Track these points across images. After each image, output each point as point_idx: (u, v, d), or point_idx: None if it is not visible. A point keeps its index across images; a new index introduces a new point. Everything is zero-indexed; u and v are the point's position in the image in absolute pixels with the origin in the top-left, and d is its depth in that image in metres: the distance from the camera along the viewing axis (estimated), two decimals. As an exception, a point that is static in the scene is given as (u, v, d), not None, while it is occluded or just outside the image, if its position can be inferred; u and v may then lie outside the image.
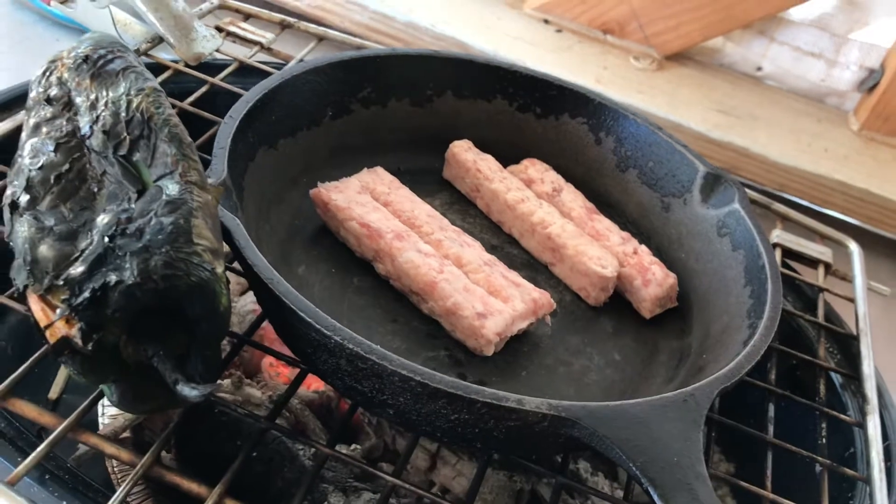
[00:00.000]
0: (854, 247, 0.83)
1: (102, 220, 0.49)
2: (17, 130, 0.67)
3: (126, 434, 0.68)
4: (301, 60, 0.87)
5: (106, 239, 0.48)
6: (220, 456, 0.61)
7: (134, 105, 0.53)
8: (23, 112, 0.69)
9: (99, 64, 0.56)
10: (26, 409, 0.51)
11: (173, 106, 0.76)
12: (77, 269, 0.47)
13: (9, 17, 1.24)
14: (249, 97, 0.64)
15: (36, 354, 0.53)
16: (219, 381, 0.46)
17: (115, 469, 0.65)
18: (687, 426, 0.48)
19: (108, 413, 0.68)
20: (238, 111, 0.62)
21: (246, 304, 0.80)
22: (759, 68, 1.43)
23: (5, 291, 0.56)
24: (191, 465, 0.66)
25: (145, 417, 0.69)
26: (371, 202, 0.67)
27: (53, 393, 0.77)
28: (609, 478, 0.72)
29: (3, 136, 0.68)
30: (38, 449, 0.48)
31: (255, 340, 0.61)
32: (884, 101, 1.33)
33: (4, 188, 0.54)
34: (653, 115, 1.26)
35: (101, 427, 0.67)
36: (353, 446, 0.70)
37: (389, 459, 0.72)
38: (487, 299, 0.61)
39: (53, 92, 0.56)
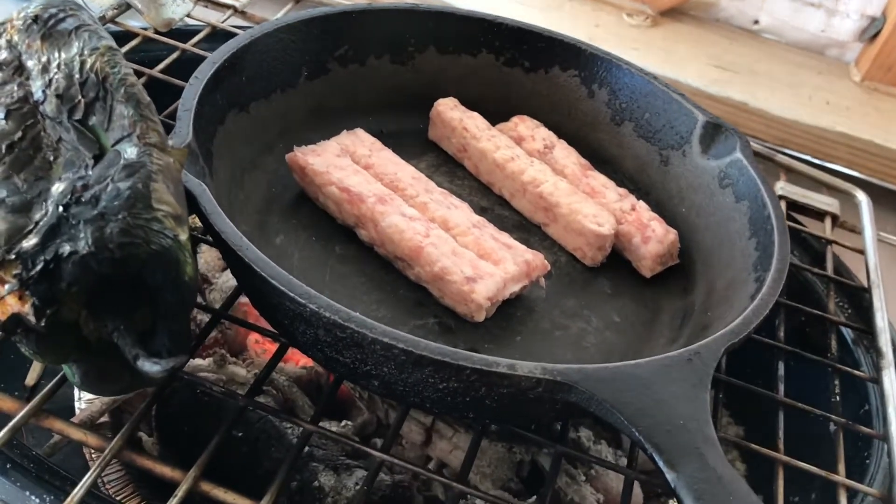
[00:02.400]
0: (862, 196, 0.79)
1: (57, 188, 0.46)
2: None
3: (105, 418, 0.65)
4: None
5: (60, 208, 0.44)
6: (203, 437, 0.57)
7: (88, 65, 0.49)
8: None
9: (50, 24, 0.52)
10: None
11: (142, 74, 0.72)
12: (30, 242, 0.44)
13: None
14: (216, 57, 0.60)
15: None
16: (185, 356, 0.43)
17: (93, 455, 0.61)
18: (693, 386, 0.45)
19: (85, 398, 0.64)
20: (204, 72, 0.58)
21: (228, 280, 0.77)
22: (756, 21, 1.38)
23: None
24: (174, 449, 0.63)
25: (125, 400, 0.66)
26: (351, 165, 0.63)
27: (30, 379, 0.73)
28: (612, 445, 0.69)
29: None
30: (-2, 436, 0.45)
31: (232, 315, 0.57)
32: (886, 50, 1.28)
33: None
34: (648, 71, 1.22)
35: (77, 413, 0.64)
36: (344, 422, 0.67)
37: (383, 434, 0.68)
38: (477, 262, 0.57)
39: (2, 56, 0.52)
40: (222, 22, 0.83)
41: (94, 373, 0.46)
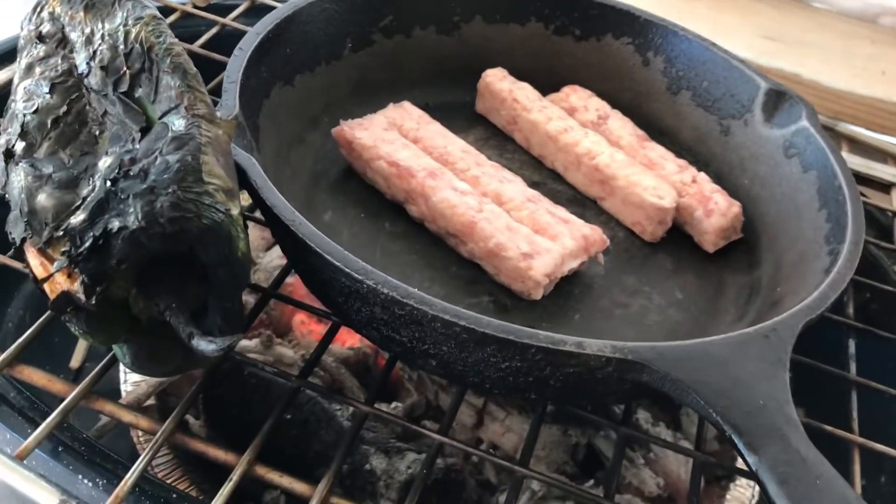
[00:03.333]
0: (930, 166, 0.75)
1: (104, 163, 0.44)
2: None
3: (151, 401, 0.64)
4: (317, -4, 0.81)
5: (108, 183, 0.43)
6: (252, 420, 0.56)
7: (132, 36, 0.48)
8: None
9: (92, -7, 0.50)
10: (35, 376, 0.46)
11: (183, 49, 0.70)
12: (78, 218, 0.42)
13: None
14: (260, 28, 0.58)
15: (42, 317, 0.48)
16: (240, 334, 0.41)
17: (141, 439, 0.60)
18: (771, 365, 0.42)
19: (131, 380, 0.63)
20: (248, 43, 0.56)
21: (273, 260, 0.75)
22: (806, -10, 1.33)
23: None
24: (221, 432, 0.62)
25: (171, 383, 0.65)
26: (399, 139, 0.61)
27: (75, 361, 0.73)
28: (671, 428, 0.66)
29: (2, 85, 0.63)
30: (49, 419, 0.44)
31: (281, 293, 0.56)
32: (944, 16, 1.23)
33: (-2, 137, 0.49)
34: (694, 43, 1.18)
35: (123, 395, 0.63)
36: (393, 404, 0.65)
37: (433, 417, 0.67)
38: (533, 238, 0.55)
39: (45, 28, 0.51)
40: (262, -5, 0.81)
41: (144, 353, 0.45)
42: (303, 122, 0.62)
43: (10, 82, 0.63)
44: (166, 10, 0.76)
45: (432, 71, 0.70)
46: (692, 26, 1.21)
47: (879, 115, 1.17)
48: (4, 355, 0.46)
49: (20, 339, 0.47)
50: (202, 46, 0.72)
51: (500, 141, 0.69)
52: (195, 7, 0.77)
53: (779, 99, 0.63)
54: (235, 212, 0.43)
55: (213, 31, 0.74)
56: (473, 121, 0.70)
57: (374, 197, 0.61)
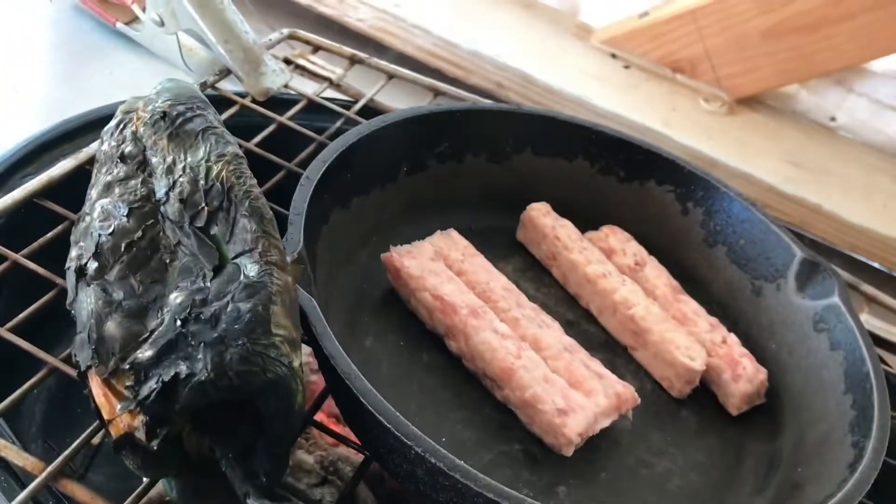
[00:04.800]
0: (949, 337, 0.77)
1: (175, 298, 0.46)
2: (79, 169, 0.65)
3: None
4: (371, 100, 0.84)
5: (178, 322, 0.44)
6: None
7: (214, 173, 0.50)
8: (86, 150, 0.66)
9: (178, 122, 0.52)
10: (78, 492, 0.47)
11: (239, 146, 0.72)
12: (145, 354, 0.44)
13: (68, 24, 1.22)
14: (327, 155, 0.60)
15: (86, 434, 0.50)
16: (293, 501, 0.42)
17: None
18: (796, 571, 0.44)
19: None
20: (315, 171, 0.58)
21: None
22: (833, 118, 1.37)
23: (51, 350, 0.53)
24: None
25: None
26: (445, 271, 0.63)
27: (96, 440, 0.73)
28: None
29: (66, 175, 0.64)
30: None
31: (319, 422, 0.57)
32: (964, 161, 1.27)
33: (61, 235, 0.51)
34: (723, 163, 1.21)
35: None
36: (407, 526, 0.66)
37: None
38: (568, 392, 0.56)
39: (128, 149, 0.53)
40: (318, 94, 0.83)
41: (191, 489, 0.46)
42: (353, 241, 0.64)
43: (73, 171, 0.65)
44: (225, 102, 0.78)
45: (479, 196, 0.72)
46: (721, 146, 1.25)
47: (895, 254, 1.20)
48: (49, 469, 0.47)
49: (66, 453, 0.48)
50: (257, 145, 0.74)
51: (537, 273, 0.71)
52: (253, 101, 0.79)
53: (812, 270, 0.65)
54: (297, 364, 0.45)
55: (271, 128, 0.76)
56: (514, 248, 0.72)
57: (415, 324, 0.62)
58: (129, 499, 0.47)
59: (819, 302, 0.64)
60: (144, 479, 0.49)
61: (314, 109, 0.82)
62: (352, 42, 1.14)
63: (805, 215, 1.20)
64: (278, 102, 0.81)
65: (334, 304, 0.60)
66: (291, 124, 0.78)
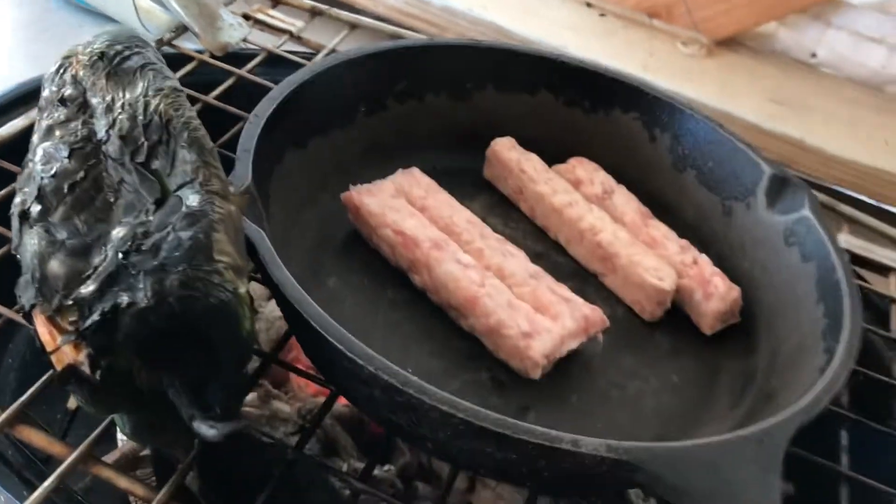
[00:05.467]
0: (929, 253, 0.76)
1: (117, 233, 0.45)
2: (31, 128, 0.64)
3: (146, 451, 0.64)
4: (332, 50, 0.82)
5: (120, 255, 0.43)
6: (248, 479, 0.57)
7: (152, 107, 0.49)
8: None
9: (116, 61, 0.51)
10: (34, 437, 0.47)
11: (197, 100, 0.72)
12: (88, 289, 0.43)
13: (36, 4, 1.21)
14: (276, 94, 0.59)
15: (43, 378, 0.49)
16: (242, 422, 0.42)
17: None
18: (763, 469, 0.43)
19: (128, 429, 0.64)
20: (264, 110, 0.57)
21: (274, 310, 0.76)
22: (814, 55, 1.35)
23: (13, 305, 0.52)
24: (215, 489, 0.62)
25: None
26: (406, 207, 0.62)
27: (72, 402, 0.73)
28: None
29: (19, 133, 0.63)
30: (46, 483, 0.44)
31: (282, 360, 0.56)
32: (949, 89, 1.25)
33: (13, 193, 0.50)
34: (704, 104, 1.19)
35: (119, 444, 0.63)
36: (387, 467, 0.66)
37: (425, 478, 0.67)
38: (534, 317, 0.55)
39: (68, 91, 0.52)
40: (278, 47, 0.82)
41: (144, 424, 0.45)
42: (313, 183, 0.63)
43: (26, 129, 0.64)
44: (183, 59, 0.77)
45: (442, 136, 0.71)
46: (701, 87, 1.23)
47: (881, 185, 1.19)
48: (5, 415, 0.47)
49: (22, 399, 0.48)
50: (217, 97, 0.73)
51: (505, 209, 0.70)
52: (212, 56, 0.78)
53: (782, 185, 0.64)
54: (243, 290, 0.44)
55: (229, 82, 0.75)
56: (481, 187, 0.71)
57: (379, 263, 0.62)
58: (86, 442, 0.47)
59: (789, 216, 0.63)
60: (103, 423, 0.48)
61: (275, 62, 0.81)
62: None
63: (789, 151, 1.19)
64: (238, 57, 0.80)
65: (295, 247, 0.59)
66: (251, 76, 0.77)
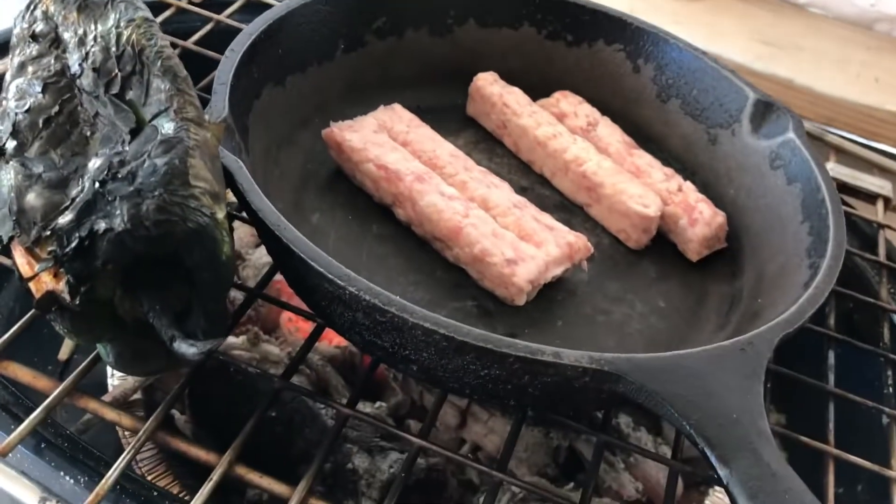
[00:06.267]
0: (916, 179, 0.76)
1: (94, 164, 0.45)
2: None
3: (137, 395, 0.64)
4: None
5: (96, 184, 0.43)
6: (237, 417, 0.57)
7: (124, 38, 0.48)
8: (3, 61, 0.65)
9: (85, -7, 0.50)
10: (20, 372, 0.47)
11: (175, 46, 0.71)
12: (65, 218, 0.43)
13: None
14: (252, 29, 0.58)
15: (29, 313, 0.49)
16: (222, 338, 0.41)
17: (126, 435, 0.61)
18: (746, 378, 0.43)
19: (118, 374, 0.64)
20: (240, 44, 0.57)
21: (261, 257, 0.76)
22: (804, -5, 1.33)
23: None
24: (207, 428, 0.63)
25: (157, 378, 0.65)
26: (389, 142, 0.61)
27: (63, 354, 0.73)
28: (652, 433, 0.67)
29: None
30: (32, 415, 0.44)
31: (267, 294, 0.56)
32: (939, 24, 1.24)
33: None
34: (690, 46, 1.18)
35: (109, 389, 0.63)
36: (378, 404, 0.66)
37: (417, 416, 0.67)
38: (518, 244, 0.55)
39: (39, 27, 0.51)
40: (257, -8, 0.81)
41: (128, 353, 0.45)
42: (293, 122, 0.63)
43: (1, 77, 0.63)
44: (161, 6, 0.76)
45: (424, 73, 0.70)
46: (689, 30, 1.21)
47: (872, 122, 1.18)
48: (-10, 351, 0.47)
49: (5, 335, 0.48)
50: (196, 43, 0.73)
51: (489, 145, 0.70)
52: (190, 2, 0.77)
53: (766, 110, 0.64)
54: (221, 215, 0.44)
55: (208, 27, 0.75)
56: (464, 123, 0.71)
57: (363, 199, 0.61)
58: (73, 374, 0.47)
59: (774, 140, 0.63)
60: (90, 357, 0.48)
61: (255, 7, 0.80)
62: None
63: (778, 91, 1.18)
64: (217, 4, 0.79)
65: (277, 184, 0.59)
66: (230, 22, 0.76)
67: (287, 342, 0.72)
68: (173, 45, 0.70)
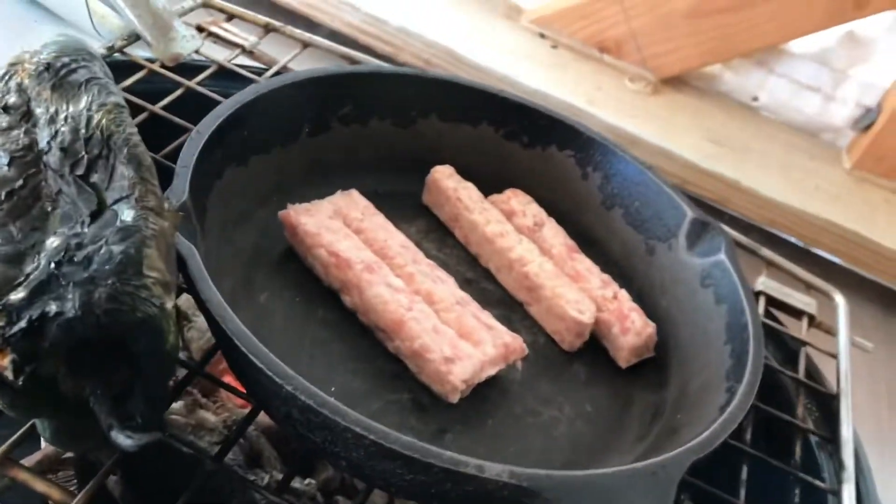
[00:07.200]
0: (840, 299, 0.80)
1: (52, 243, 0.46)
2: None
3: (69, 454, 0.65)
4: (284, 67, 0.84)
5: (52, 265, 0.45)
6: (169, 487, 0.58)
7: (94, 121, 0.50)
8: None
9: (62, 73, 0.52)
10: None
11: (144, 109, 0.73)
12: (17, 295, 0.44)
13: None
14: (221, 111, 0.61)
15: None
16: (158, 433, 0.43)
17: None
18: (657, 500, 0.46)
19: (53, 431, 0.64)
20: (207, 126, 0.59)
21: (209, 320, 0.77)
22: (755, 98, 1.41)
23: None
24: (137, 492, 0.63)
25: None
26: (343, 229, 0.64)
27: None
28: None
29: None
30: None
31: (208, 373, 0.58)
32: (878, 140, 1.31)
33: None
34: (645, 140, 1.24)
35: (42, 445, 0.64)
36: (307, 480, 0.67)
37: (346, 493, 0.69)
38: (457, 342, 0.58)
39: (12, 100, 0.53)
40: (229, 60, 0.84)
41: (66, 431, 0.46)
42: (252, 200, 0.65)
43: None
44: (133, 67, 0.78)
45: (385, 160, 0.73)
46: (645, 123, 1.28)
47: (810, 229, 1.24)
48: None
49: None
50: (165, 108, 0.74)
51: (441, 234, 0.72)
52: (163, 66, 0.79)
53: (702, 229, 0.68)
54: (169, 305, 0.45)
55: (178, 93, 0.76)
56: (419, 211, 0.74)
57: (312, 282, 0.63)
58: (3, 446, 0.48)
59: (707, 259, 0.66)
60: (25, 425, 0.49)
61: (226, 76, 0.82)
62: (280, 17, 1.14)
63: (724, 191, 1.24)
64: (189, 68, 0.81)
65: (229, 261, 0.61)
66: (200, 89, 0.78)
67: (224, 408, 0.73)
68: (141, 109, 0.72)
